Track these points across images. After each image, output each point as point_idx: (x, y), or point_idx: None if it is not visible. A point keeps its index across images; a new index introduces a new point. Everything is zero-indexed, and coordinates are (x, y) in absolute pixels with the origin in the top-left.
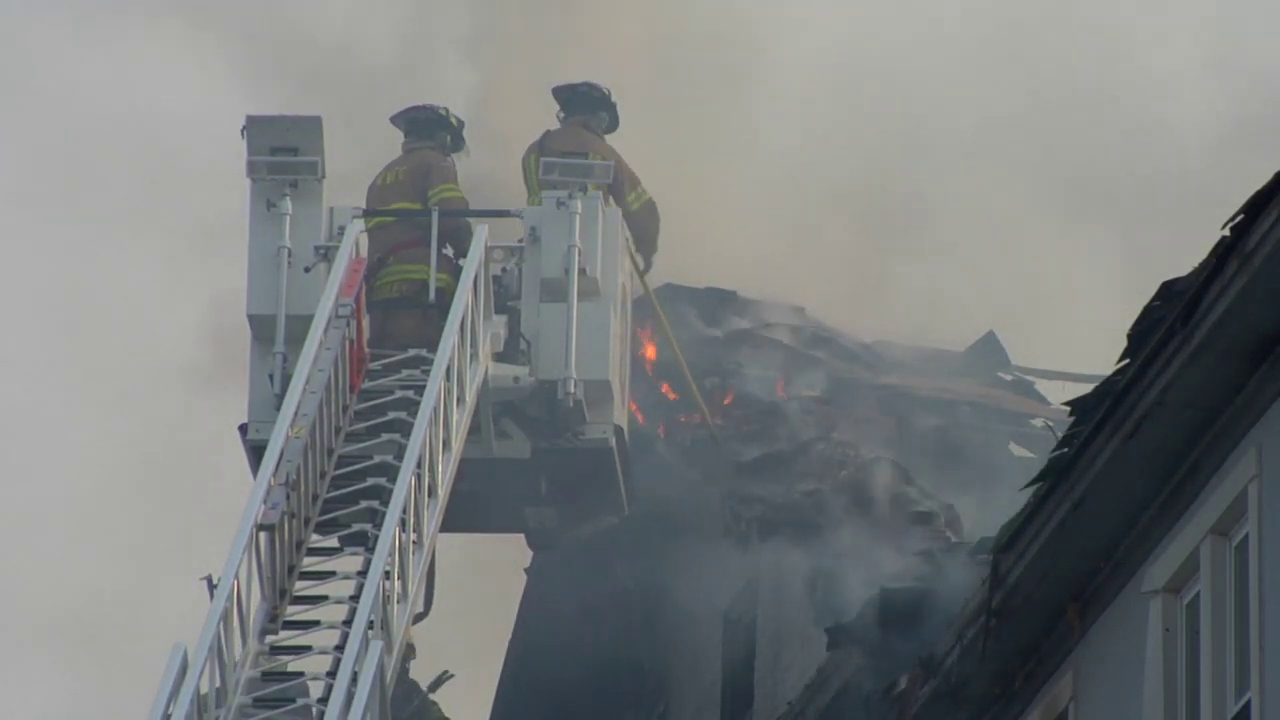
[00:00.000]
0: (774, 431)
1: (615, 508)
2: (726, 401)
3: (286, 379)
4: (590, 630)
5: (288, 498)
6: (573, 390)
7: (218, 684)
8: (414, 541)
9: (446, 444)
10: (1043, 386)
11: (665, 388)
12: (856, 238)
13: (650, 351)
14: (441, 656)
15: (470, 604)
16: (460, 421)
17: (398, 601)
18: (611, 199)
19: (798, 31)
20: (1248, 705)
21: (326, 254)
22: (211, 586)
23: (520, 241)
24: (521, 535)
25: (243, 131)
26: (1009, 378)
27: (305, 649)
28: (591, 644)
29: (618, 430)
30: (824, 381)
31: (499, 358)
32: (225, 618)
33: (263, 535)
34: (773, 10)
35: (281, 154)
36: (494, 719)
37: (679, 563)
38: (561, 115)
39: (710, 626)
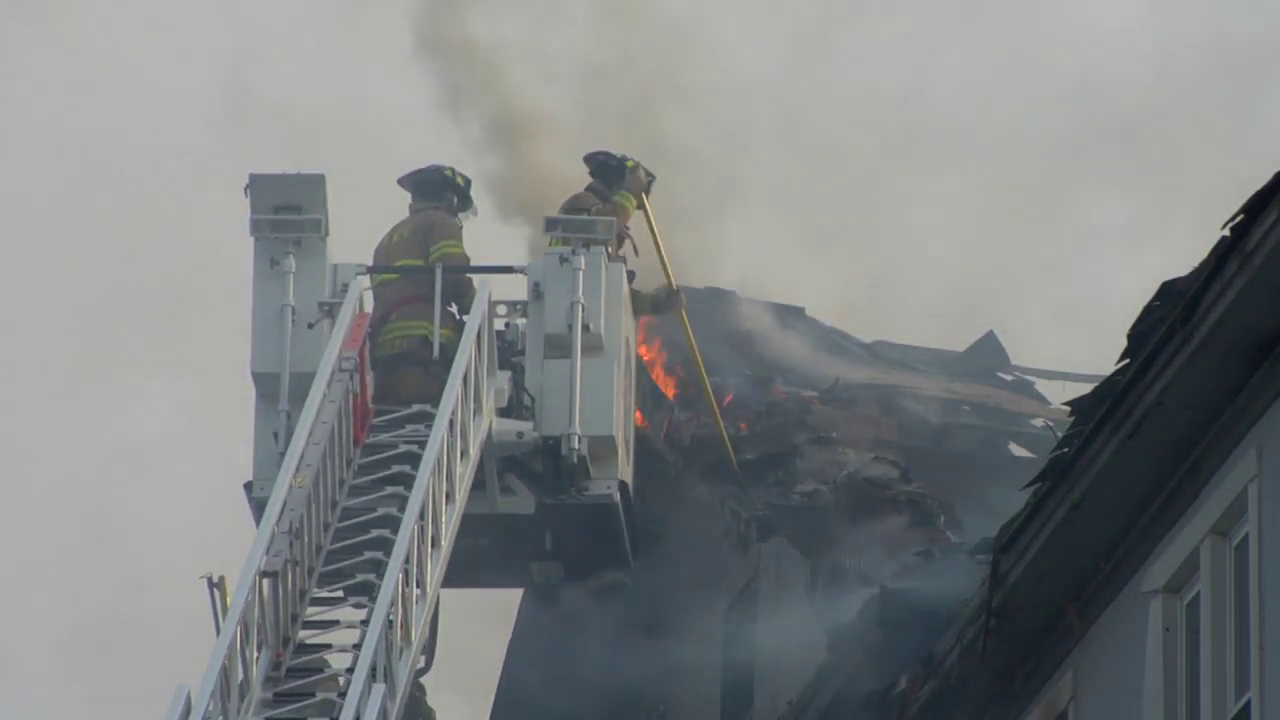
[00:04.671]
0: (774, 432)
1: (620, 562)
2: (726, 401)
3: (291, 436)
4: (589, 631)
5: (291, 545)
6: (576, 446)
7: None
8: (417, 594)
9: (450, 496)
10: (1043, 386)
11: (666, 388)
12: (857, 233)
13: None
14: (442, 658)
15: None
16: (464, 474)
17: (401, 650)
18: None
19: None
20: (1248, 705)
21: (330, 311)
22: (212, 585)
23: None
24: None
25: (246, 190)
26: (1009, 378)
27: (309, 695)
28: (590, 645)
29: (622, 485)
30: (824, 381)
31: (503, 413)
32: (228, 664)
33: (265, 582)
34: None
35: (285, 212)
36: (494, 717)
37: (679, 563)
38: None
39: (710, 626)
